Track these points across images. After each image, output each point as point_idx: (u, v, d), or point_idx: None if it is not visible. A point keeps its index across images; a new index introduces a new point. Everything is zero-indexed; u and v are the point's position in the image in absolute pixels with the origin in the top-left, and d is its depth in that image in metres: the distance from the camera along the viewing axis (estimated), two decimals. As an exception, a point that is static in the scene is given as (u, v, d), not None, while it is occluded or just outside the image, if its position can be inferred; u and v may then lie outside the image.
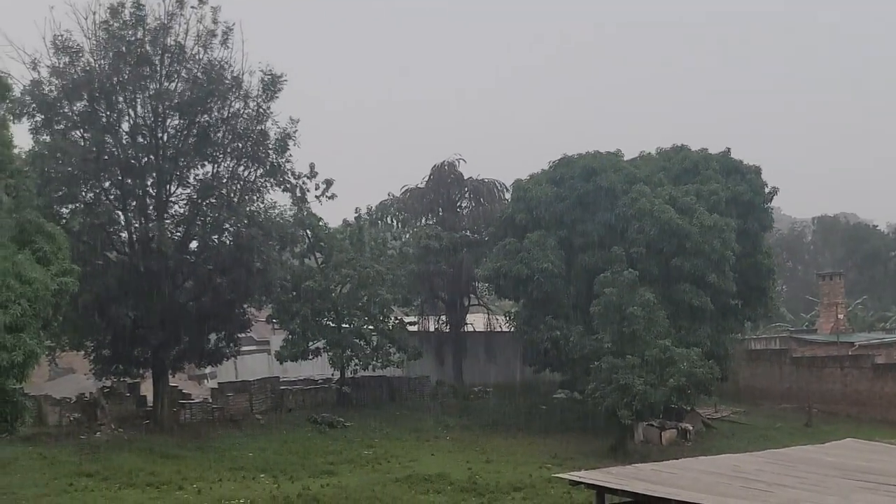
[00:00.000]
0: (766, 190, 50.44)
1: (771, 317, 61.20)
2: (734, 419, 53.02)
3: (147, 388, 44.99)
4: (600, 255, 45.86)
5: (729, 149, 51.53)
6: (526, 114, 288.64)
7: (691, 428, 45.87)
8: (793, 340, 65.45)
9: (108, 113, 40.43)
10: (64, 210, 39.33)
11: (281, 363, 50.37)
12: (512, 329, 53.12)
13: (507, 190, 56.59)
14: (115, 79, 39.85)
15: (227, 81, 41.50)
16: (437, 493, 32.68)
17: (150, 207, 41.54)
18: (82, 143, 39.71)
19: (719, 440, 45.66)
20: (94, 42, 40.00)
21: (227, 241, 42.91)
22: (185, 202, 42.82)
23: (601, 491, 20.63)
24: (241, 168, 43.04)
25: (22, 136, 37.51)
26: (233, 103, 42.10)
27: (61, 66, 39.41)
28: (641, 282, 42.70)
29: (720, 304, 46.20)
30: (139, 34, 40.15)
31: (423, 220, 59.94)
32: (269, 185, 43.93)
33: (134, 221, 41.59)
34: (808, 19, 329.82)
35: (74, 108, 39.84)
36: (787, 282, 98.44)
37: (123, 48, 39.73)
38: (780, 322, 78.61)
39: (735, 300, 47.41)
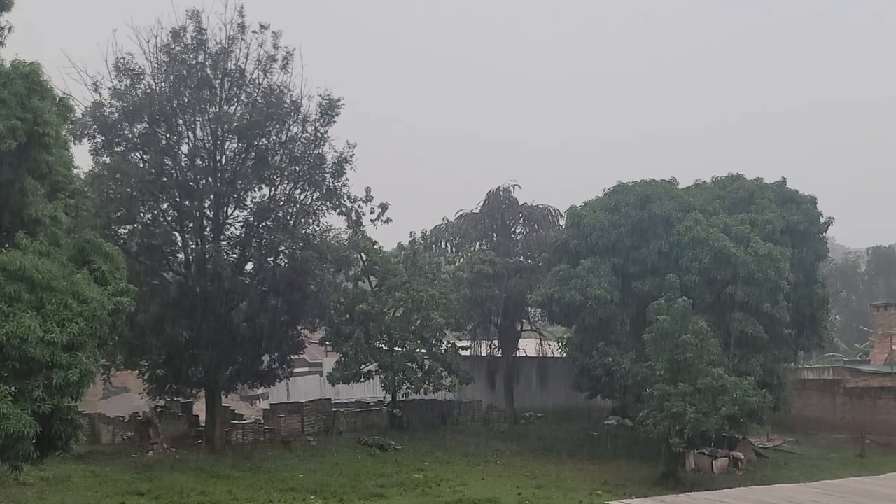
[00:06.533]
0: (822, 220, 50.10)
1: (824, 347, 60.65)
2: (786, 449, 52.68)
3: (200, 409, 45.34)
4: (654, 283, 45.72)
5: (784, 178, 51.33)
6: (579, 141, 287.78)
7: (743, 457, 45.60)
8: (846, 371, 64.90)
9: (167, 135, 40.85)
10: (122, 230, 39.78)
11: (333, 385, 50.61)
12: (564, 355, 52.95)
13: (562, 216, 56.47)
14: (176, 101, 40.25)
15: (285, 106, 41.79)
16: (487, 517, 32.72)
17: (207, 229, 41.89)
18: (141, 165, 40.08)
19: (771, 469, 45.40)
20: (156, 65, 40.46)
21: (283, 264, 43.23)
22: (241, 224, 43.10)
23: (653, 519, 20.47)
24: (298, 191, 43.33)
25: (82, 157, 38.15)
26: (291, 127, 42.40)
27: (122, 88, 39.83)
28: (695, 310, 42.47)
29: (773, 333, 45.87)
30: (200, 58, 40.56)
31: (478, 245, 59.99)
32: (324, 208, 44.13)
33: (191, 242, 41.95)
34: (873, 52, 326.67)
35: (135, 129, 40.22)
36: (840, 312, 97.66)
37: (184, 71, 40.13)
38: (834, 352, 78.02)
39: (789, 329, 47.20)
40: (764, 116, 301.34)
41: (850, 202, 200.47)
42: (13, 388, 21.62)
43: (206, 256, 40.49)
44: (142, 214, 40.84)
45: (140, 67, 40.17)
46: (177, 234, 42.12)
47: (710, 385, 40.01)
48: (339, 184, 43.77)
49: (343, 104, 42.97)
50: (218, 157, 41.61)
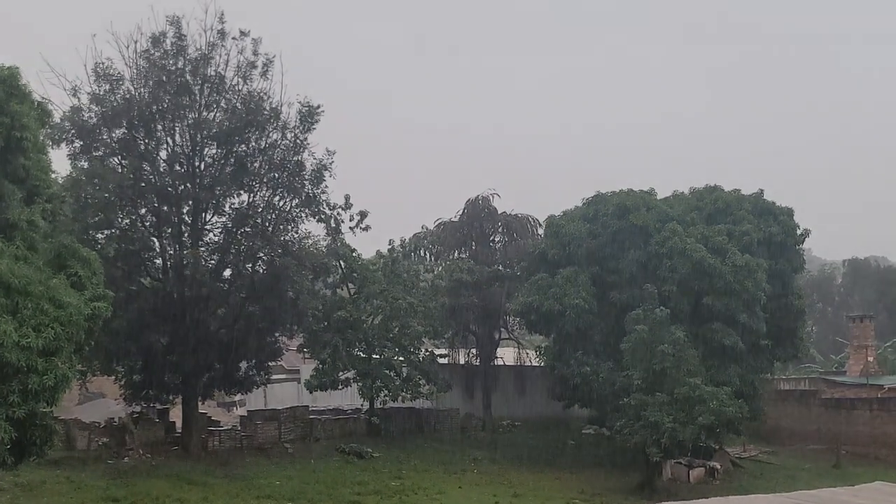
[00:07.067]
0: (798, 232, 50.43)
1: (800, 357, 61.01)
2: (762, 459, 52.87)
3: (176, 415, 45.12)
4: (632, 293, 45.93)
5: (762, 190, 51.70)
6: (559, 150, 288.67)
7: (719, 467, 45.70)
8: (822, 381, 65.38)
9: (146, 140, 40.67)
10: (99, 235, 39.54)
11: (310, 392, 50.49)
12: (542, 364, 53.07)
13: (540, 225, 56.61)
14: (155, 107, 40.10)
15: (265, 112, 41.66)
16: (463, 525, 32.71)
17: (185, 235, 41.73)
18: (120, 170, 39.82)
19: (747, 480, 45.52)
20: (135, 70, 40.27)
21: (261, 270, 43.12)
22: (220, 230, 42.96)
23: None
24: (277, 198, 43.22)
25: (60, 162, 37.85)
26: (270, 134, 42.27)
27: (101, 93, 39.62)
28: (672, 320, 42.70)
29: (750, 344, 46.12)
30: (180, 64, 40.44)
31: (457, 254, 60.02)
32: (303, 215, 44.00)
33: (169, 248, 41.76)
34: (848, 65, 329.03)
35: (113, 135, 40.02)
36: (816, 323, 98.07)
37: (164, 77, 40.00)
38: (810, 363, 78.44)
39: (765, 340, 47.35)
40: (747, 126, 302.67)
41: (827, 214, 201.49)
42: (-12, 393, 21.45)
43: (184, 262, 40.41)
44: (120, 220, 40.56)
45: (119, 73, 39.96)
46: (155, 240, 41.92)
47: (687, 395, 40.21)
48: (319, 191, 43.64)
49: (323, 111, 42.97)
50: (197, 163, 41.46)
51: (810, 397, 60.59)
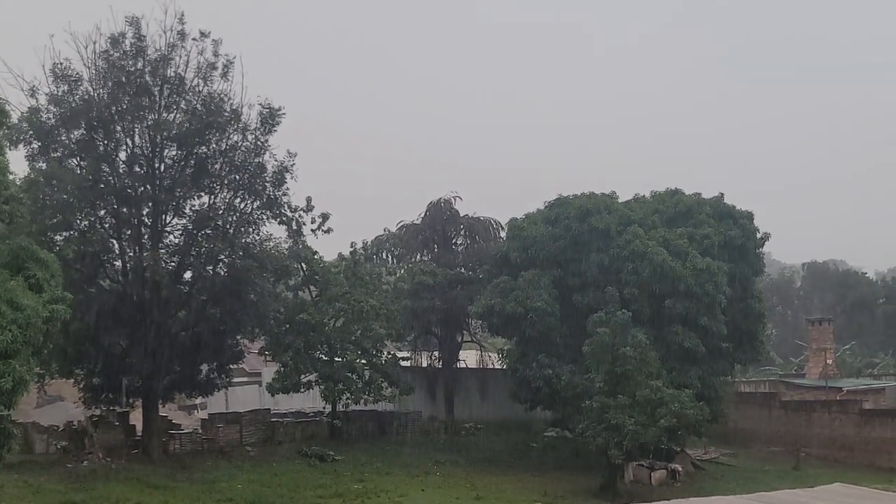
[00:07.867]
0: (758, 235, 50.63)
1: (760, 360, 61.28)
2: (723, 461, 53.10)
3: (136, 418, 44.76)
4: (594, 296, 46.00)
5: (722, 194, 51.83)
6: (520, 154, 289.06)
7: (681, 469, 45.82)
8: (782, 384, 65.88)
9: (105, 142, 40.37)
10: (58, 237, 39.17)
11: (272, 395, 50.31)
12: (504, 366, 53.00)
13: (503, 228, 56.62)
14: (114, 108, 39.85)
15: (226, 114, 41.49)
16: (425, 528, 32.63)
17: (145, 237, 41.46)
18: (78, 171, 39.54)
19: (708, 482, 45.70)
20: (94, 71, 39.99)
21: (222, 273, 42.88)
22: (180, 232, 42.71)
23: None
24: (238, 200, 43.04)
25: (18, 163, 37.43)
26: (231, 136, 42.09)
27: (60, 94, 39.36)
28: (634, 322, 42.77)
29: (711, 347, 46.27)
30: (139, 65, 40.20)
31: (419, 256, 59.99)
32: (265, 217, 43.85)
33: (128, 250, 41.52)
34: (802, 72, 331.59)
35: (72, 136, 39.78)
36: (776, 326, 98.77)
37: (123, 78, 39.74)
38: (770, 366, 78.94)
39: (726, 343, 47.49)
40: (708, 129, 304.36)
41: (786, 218, 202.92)
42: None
43: (144, 265, 40.13)
44: (78, 221, 40.20)
45: (78, 73, 39.71)
46: (114, 242, 41.65)
47: (648, 397, 40.31)
48: (280, 193, 43.53)
49: (284, 113, 42.83)
50: (156, 165, 41.22)
51: (770, 400, 60.96)
